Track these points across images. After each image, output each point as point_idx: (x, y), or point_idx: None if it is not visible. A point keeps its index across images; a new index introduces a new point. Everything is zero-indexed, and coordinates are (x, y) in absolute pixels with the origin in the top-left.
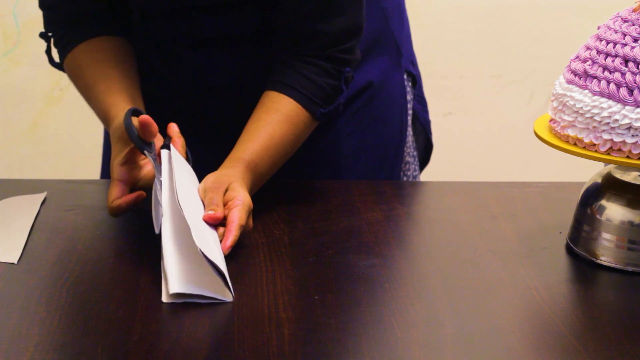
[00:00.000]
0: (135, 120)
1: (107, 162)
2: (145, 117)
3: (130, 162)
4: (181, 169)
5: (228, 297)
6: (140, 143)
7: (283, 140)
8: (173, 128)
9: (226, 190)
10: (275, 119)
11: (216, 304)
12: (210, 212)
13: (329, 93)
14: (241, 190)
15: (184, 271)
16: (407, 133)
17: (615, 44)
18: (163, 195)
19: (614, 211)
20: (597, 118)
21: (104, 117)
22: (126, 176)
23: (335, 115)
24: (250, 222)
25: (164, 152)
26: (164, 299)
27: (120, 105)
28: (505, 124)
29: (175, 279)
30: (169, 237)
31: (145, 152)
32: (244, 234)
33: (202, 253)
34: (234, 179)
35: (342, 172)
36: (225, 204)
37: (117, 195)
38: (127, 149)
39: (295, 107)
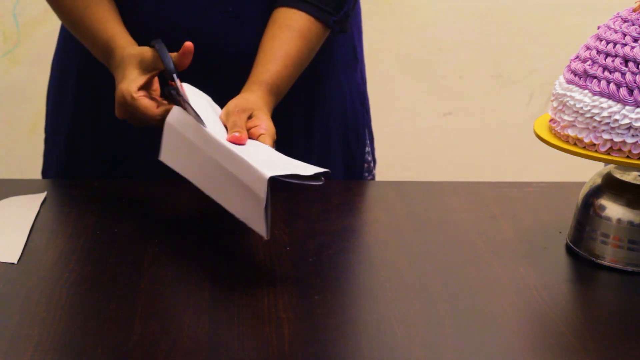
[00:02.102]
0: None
1: (47, 157)
2: (190, 44)
3: (146, 90)
4: (202, 100)
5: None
6: (173, 70)
7: (299, 56)
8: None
9: (250, 117)
10: (290, 36)
11: (216, 304)
12: (235, 134)
13: None
14: (265, 118)
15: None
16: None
17: (615, 44)
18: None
19: (614, 211)
20: (597, 118)
21: (107, 44)
22: (149, 95)
23: (346, 20)
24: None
25: (187, 85)
26: (262, 191)
27: (123, 34)
28: (505, 124)
29: (265, 167)
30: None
31: (175, 76)
32: (244, 235)
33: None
34: (256, 106)
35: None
36: (248, 130)
37: (157, 104)
38: (146, 76)
39: (307, 21)
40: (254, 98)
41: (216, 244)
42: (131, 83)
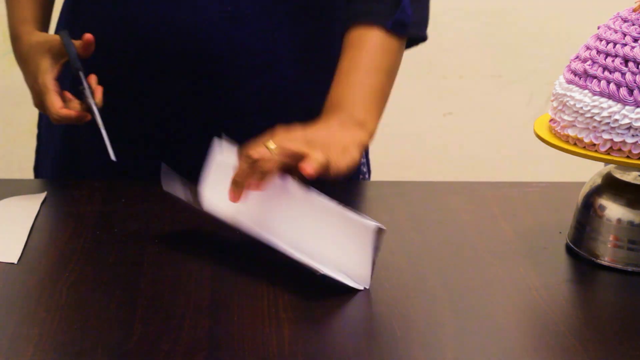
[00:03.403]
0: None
1: (41, 154)
2: (90, 35)
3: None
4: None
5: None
6: (77, 63)
7: (378, 71)
8: (93, 78)
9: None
10: (358, 55)
11: (216, 304)
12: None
13: (388, 2)
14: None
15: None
16: None
17: (615, 44)
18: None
19: (614, 211)
20: (597, 118)
21: (16, 26)
22: (60, 91)
23: (406, 21)
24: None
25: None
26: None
27: (31, 20)
28: (505, 124)
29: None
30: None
31: (80, 73)
32: (244, 235)
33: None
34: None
35: None
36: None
37: (62, 105)
38: (58, 64)
39: (365, 30)
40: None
41: (216, 244)
42: (46, 73)
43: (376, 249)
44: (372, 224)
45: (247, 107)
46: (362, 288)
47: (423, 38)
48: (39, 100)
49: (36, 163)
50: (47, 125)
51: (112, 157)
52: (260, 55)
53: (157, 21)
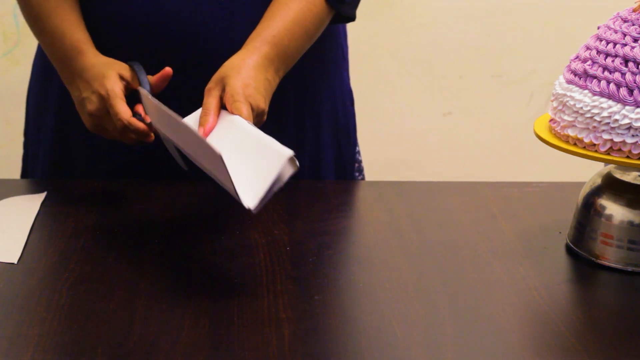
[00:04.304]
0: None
1: (28, 158)
2: (170, 69)
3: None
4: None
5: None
6: (150, 91)
7: (303, 17)
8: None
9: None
10: (287, 0)
11: (216, 304)
12: (201, 129)
13: None
14: (232, 83)
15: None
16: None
17: (615, 44)
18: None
19: (614, 211)
20: (597, 118)
21: (75, 45)
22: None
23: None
24: (253, 107)
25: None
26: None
27: (90, 41)
28: (505, 124)
29: (243, 194)
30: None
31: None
32: (244, 235)
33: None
34: (229, 68)
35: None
36: (225, 103)
37: (130, 113)
38: (124, 81)
39: None
40: (233, 60)
41: (216, 244)
42: (116, 83)
43: (280, 177)
44: (288, 151)
45: None
46: (245, 204)
47: (352, 18)
48: (101, 106)
49: (23, 169)
50: (36, 131)
51: (185, 167)
52: None
53: (153, 16)
